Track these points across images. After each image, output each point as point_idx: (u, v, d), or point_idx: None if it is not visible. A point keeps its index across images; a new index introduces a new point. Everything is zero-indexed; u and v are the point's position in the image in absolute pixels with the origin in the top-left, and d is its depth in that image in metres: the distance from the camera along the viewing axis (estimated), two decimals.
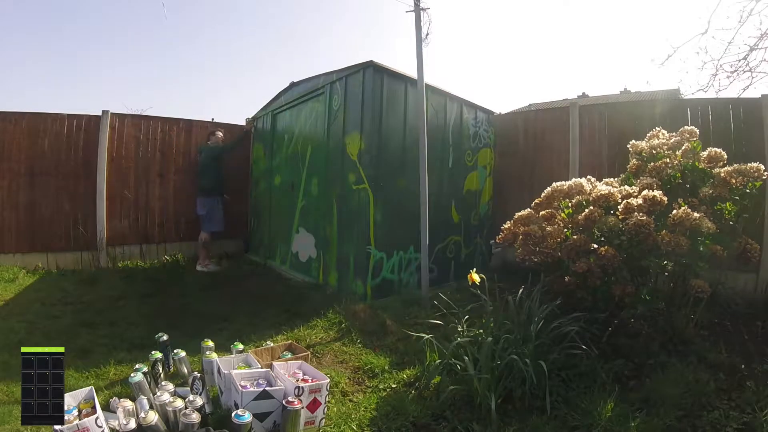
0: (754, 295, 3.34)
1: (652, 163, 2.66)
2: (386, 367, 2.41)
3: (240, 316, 3.32)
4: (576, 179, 2.71)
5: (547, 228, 2.58)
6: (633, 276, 2.50)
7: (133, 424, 1.63)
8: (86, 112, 4.89)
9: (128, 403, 1.81)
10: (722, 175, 2.40)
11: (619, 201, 2.46)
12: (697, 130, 2.71)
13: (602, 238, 2.49)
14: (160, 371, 2.19)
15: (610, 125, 4.33)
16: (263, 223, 5.54)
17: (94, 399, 1.71)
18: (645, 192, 2.38)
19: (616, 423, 1.75)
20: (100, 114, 4.93)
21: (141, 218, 5.24)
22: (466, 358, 2.01)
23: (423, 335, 2.35)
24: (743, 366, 2.20)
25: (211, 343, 2.38)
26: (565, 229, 2.61)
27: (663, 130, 2.88)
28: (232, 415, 1.66)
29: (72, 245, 4.82)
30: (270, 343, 2.61)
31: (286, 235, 4.90)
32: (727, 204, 2.42)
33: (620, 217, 2.39)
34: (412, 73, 3.55)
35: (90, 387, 1.81)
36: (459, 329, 2.25)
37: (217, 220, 5.11)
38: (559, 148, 4.54)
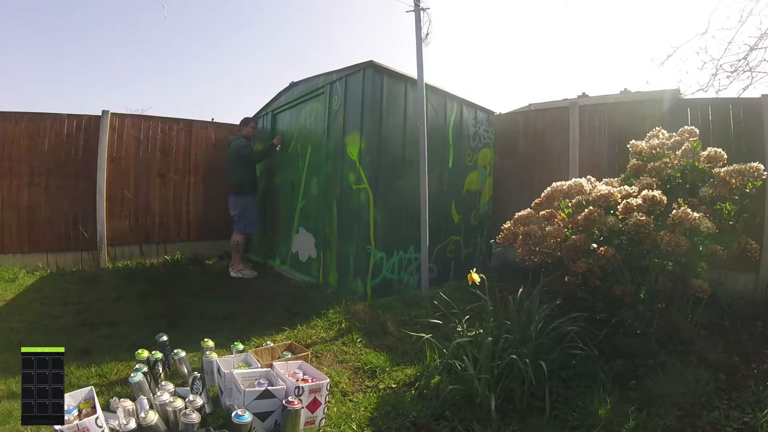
0: (754, 295, 3.34)
1: (651, 163, 2.66)
2: (386, 367, 2.41)
3: (240, 316, 3.32)
4: (576, 179, 2.71)
5: (547, 228, 2.58)
6: (633, 276, 2.50)
7: (133, 424, 1.63)
8: (86, 112, 4.90)
9: (128, 403, 1.81)
10: (722, 175, 2.40)
11: (619, 201, 2.46)
12: (697, 130, 2.71)
13: (602, 238, 2.49)
14: (160, 371, 2.19)
15: (610, 125, 4.33)
16: (263, 223, 5.53)
17: (94, 399, 1.71)
18: (645, 192, 2.38)
19: (616, 423, 1.75)
20: (100, 114, 4.93)
21: (141, 218, 5.25)
22: (466, 357, 2.01)
23: (423, 335, 2.35)
24: (743, 366, 2.20)
25: (211, 343, 2.38)
26: (565, 229, 2.61)
27: (663, 130, 2.88)
28: (233, 415, 1.66)
29: (72, 245, 4.82)
30: (270, 343, 2.61)
31: (286, 235, 4.90)
32: (727, 204, 2.42)
33: (620, 217, 2.39)
34: (412, 73, 3.55)
35: (90, 387, 1.81)
36: (459, 329, 2.25)
37: (250, 221, 4.79)
38: (559, 148, 4.54)
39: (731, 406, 1.86)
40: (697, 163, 2.59)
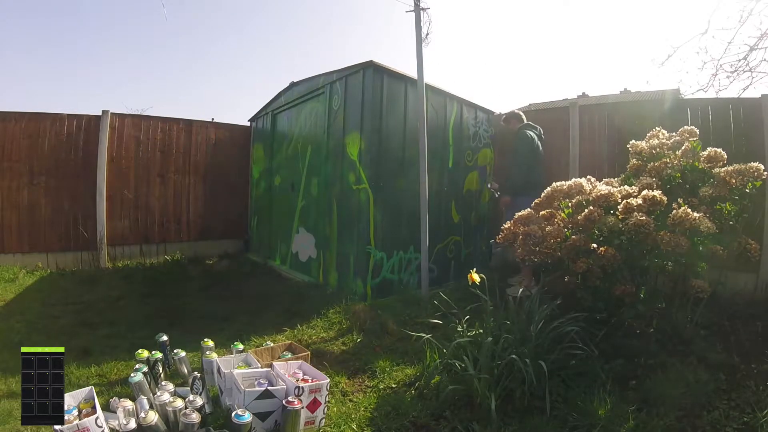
0: (754, 295, 3.34)
1: (651, 163, 2.66)
2: (386, 367, 2.41)
3: (240, 316, 3.33)
4: (576, 179, 2.70)
5: (547, 228, 2.58)
6: (633, 276, 2.50)
7: (133, 424, 1.63)
8: (86, 112, 4.90)
9: (128, 403, 1.81)
10: (722, 175, 2.40)
11: (619, 201, 2.46)
12: (697, 130, 2.71)
13: (602, 238, 2.49)
14: (160, 371, 2.19)
15: (610, 125, 4.32)
16: (263, 223, 5.54)
17: (94, 399, 1.71)
18: (645, 192, 2.38)
19: (616, 423, 1.75)
20: (100, 114, 4.93)
21: (141, 218, 5.25)
22: (466, 358, 2.01)
23: (423, 335, 2.35)
24: (743, 366, 2.20)
25: (211, 343, 2.38)
26: (565, 229, 2.61)
27: (663, 130, 2.88)
28: (232, 414, 1.66)
29: (72, 245, 4.82)
30: (270, 343, 2.61)
31: (286, 235, 4.90)
32: (727, 204, 2.42)
33: (620, 217, 2.39)
34: (412, 73, 3.55)
35: (90, 387, 1.81)
36: (459, 329, 2.25)
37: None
38: (559, 148, 4.54)
39: (731, 406, 1.86)
40: (697, 163, 2.59)
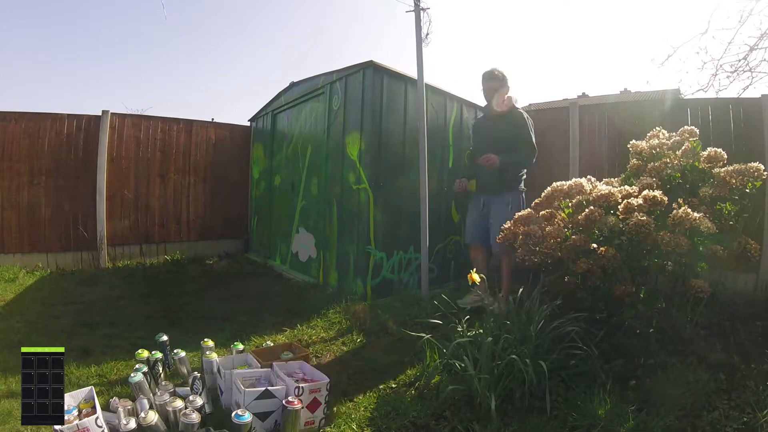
0: (754, 295, 3.34)
1: (652, 163, 2.66)
2: (386, 367, 2.41)
3: (240, 316, 3.32)
4: (576, 179, 2.70)
5: (547, 228, 2.58)
6: (633, 276, 2.50)
7: (133, 424, 1.63)
8: (86, 112, 4.90)
9: (128, 403, 1.81)
10: (722, 175, 2.40)
11: (620, 201, 2.46)
12: (697, 130, 2.71)
13: (602, 238, 2.48)
14: (160, 371, 2.19)
15: (610, 125, 4.32)
16: (263, 223, 5.54)
17: (94, 399, 1.71)
18: (645, 192, 2.38)
19: (616, 423, 1.75)
20: (100, 114, 4.93)
21: (141, 218, 5.25)
22: (466, 358, 2.01)
23: (423, 335, 2.35)
24: (743, 366, 2.20)
25: (211, 343, 2.38)
26: (565, 229, 2.61)
27: (663, 130, 2.88)
28: (233, 414, 1.66)
29: (72, 245, 4.82)
30: (270, 343, 2.61)
31: (286, 235, 4.90)
32: (727, 204, 2.42)
33: (620, 217, 2.39)
34: (412, 73, 3.55)
35: (90, 387, 1.81)
36: (459, 329, 2.25)
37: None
38: (559, 148, 4.54)
39: (731, 406, 1.86)
40: (697, 163, 2.59)
